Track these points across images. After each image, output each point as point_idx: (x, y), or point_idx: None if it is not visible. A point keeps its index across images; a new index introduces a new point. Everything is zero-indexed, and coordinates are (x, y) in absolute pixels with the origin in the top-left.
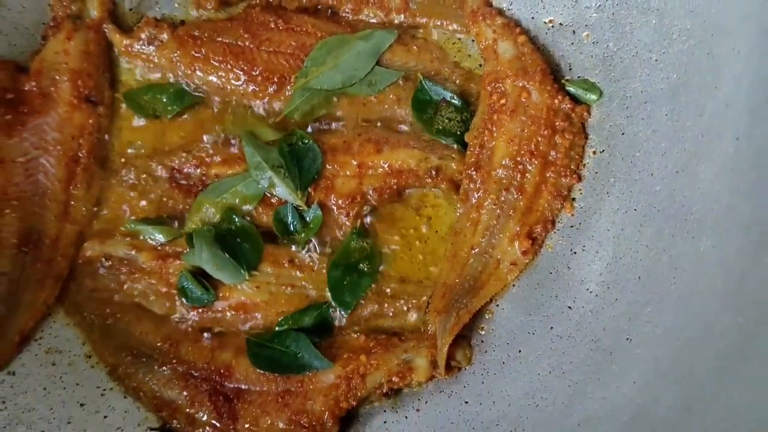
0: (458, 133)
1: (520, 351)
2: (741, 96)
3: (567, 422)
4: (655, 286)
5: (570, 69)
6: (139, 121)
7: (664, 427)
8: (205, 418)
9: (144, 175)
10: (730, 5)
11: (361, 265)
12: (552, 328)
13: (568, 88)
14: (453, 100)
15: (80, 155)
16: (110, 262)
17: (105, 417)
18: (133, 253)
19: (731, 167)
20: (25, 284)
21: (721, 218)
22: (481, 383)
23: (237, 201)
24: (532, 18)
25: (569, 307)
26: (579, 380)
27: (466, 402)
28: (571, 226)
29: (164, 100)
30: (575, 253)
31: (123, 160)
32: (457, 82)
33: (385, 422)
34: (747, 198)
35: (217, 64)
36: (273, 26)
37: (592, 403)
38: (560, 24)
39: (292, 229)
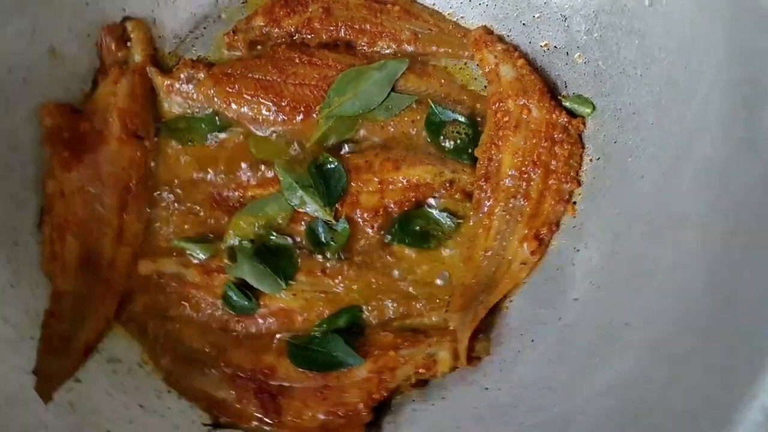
0: (468, 149)
1: (532, 340)
2: (715, 102)
3: (575, 400)
4: (647, 274)
5: (566, 86)
6: (180, 151)
7: (656, 396)
8: (252, 413)
9: (187, 201)
10: (701, 25)
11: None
12: (560, 318)
13: (564, 103)
14: (461, 120)
15: (131, 185)
16: (162, 279)
17: (162, 416)
18: (181, 269)
19: (709, 167)
20: (88, 301)
21: (702, 213)
22: (499, 371)
23: (271, 218)
24: (530, 43)
25: (575, 299)
26: (585, 363)
27: (486, 388)
28: (574, 227)
29: (199, 126)
30: (578, 250)
31: (167, 187)
32: (466, 103)
33: (414, 410)
34: (725, 194)
35: (249, 97)
36: (298, 61)
37: (597, 381)
38: (555, 47)
39: (323, 241)
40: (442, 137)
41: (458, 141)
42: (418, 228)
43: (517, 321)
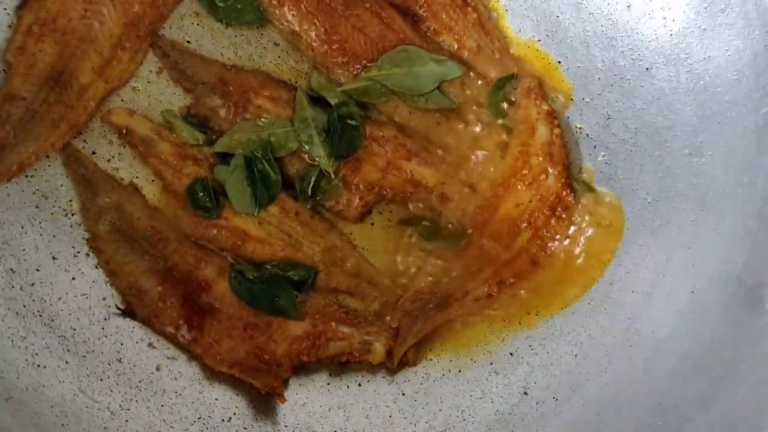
0: None
1: (459, 371)
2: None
3: None
4: (585, 366)
5: (580, 172)
6: (205, 22)
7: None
8: (172, 318)
9: (189, 71)
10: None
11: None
12: (491, 363)
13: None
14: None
15: (141, 23)
16: (127, 139)
17: (73, 279)
18: (155, 137)
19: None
20: (41, 118)
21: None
22: (420, 383)
23: (274, 144)
24: (567, 117)
25: (511, 354)
26: (503, 411)
27: (403, 394)
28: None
29: (238, 6)
30: (529, 314)
31: (173, 49)
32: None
33: (328, 384)
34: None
35: (305, 11)
36: (368, 6)
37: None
38: (587, 135)
39: (311, 189)
40: None
41: None
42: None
43: (453, 346)
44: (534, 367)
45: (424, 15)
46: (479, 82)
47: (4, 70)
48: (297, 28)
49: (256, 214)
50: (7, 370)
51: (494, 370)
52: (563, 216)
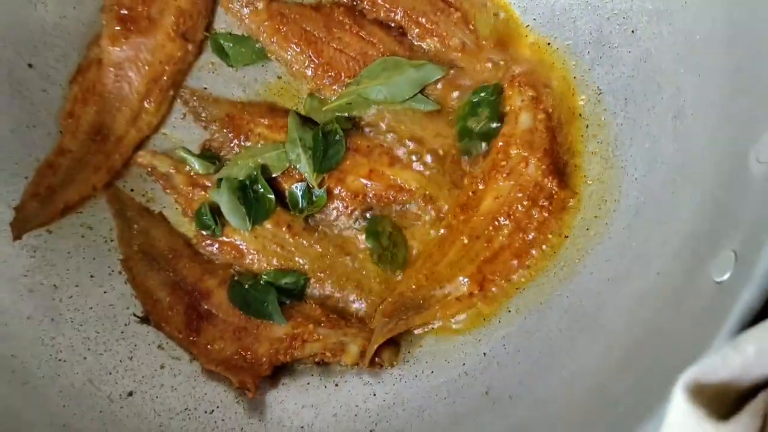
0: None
1: (432, 372)
2: (680, 241)
3: None
4: (545, 369)
5: (572, 157)
6: (217, 67)
7: None
8: (176, 323)
9: (203, 113)
10: (699, 162)
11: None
12: (464, 364)
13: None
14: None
15: (162, 79)
16: (153, 175)
17: (105, 292)
18: (173, 171)
19: (651, 289)
20: (84, 166)
21: (632, 335)
22: (393, 385)
23: (267, 165)
24: (560, 100)
25: (484, 354)
26: (461, 412)
27: (374, 395)
28: (516, 288)
29: (242, 50)
30: (509, 312)
31: (192, 95)
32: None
33: (308, 383)
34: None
35: (292, 43)
36: (347, 28)
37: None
38: (579, 115)
39: (300, 202)
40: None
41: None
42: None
43: (430, 349)
44: (502, 366)
45: (406, 25)
46: (468, 82)
47: (60, 132)
48: (288, 58)
49: (249, 229)
50: (30, 361)
51: (465, 371)
52: (547, 206)
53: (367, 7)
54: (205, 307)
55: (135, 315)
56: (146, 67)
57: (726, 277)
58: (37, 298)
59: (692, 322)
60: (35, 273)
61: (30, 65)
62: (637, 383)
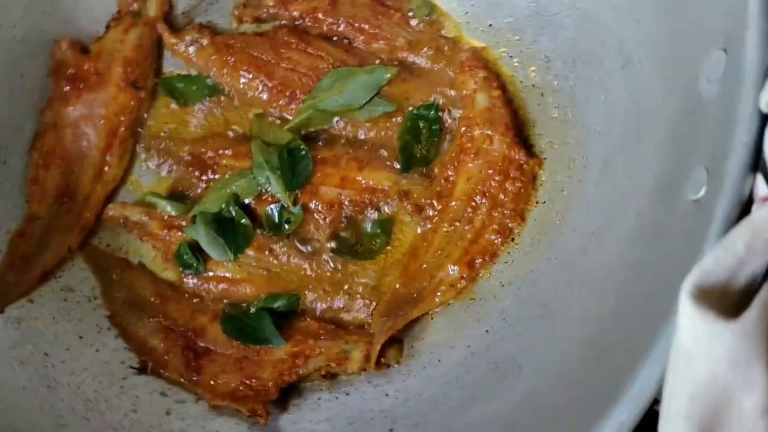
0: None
1: (439, 360)
2: (650, 177)
3: (454, 426)
4: (552, 323)
5: (534, 126)
6: (170, 109)
7: None
8: (175, 366)
9: (166, 157)
10: (657, 99)
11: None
12: (468, 346)
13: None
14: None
15: (119, 130)
16: (126, 225)
17: (97, 351)
18: (146, 219)
19: (636, 233)
20: (56, 229)
21: (622, 278)
22: (402, 381)
23: (239, 193)
24: (512, 75)
25: (486, 331)
26: (473, 393)
27: (387, 395)
28: (506, 263)
29: (194, 88)
30: (503, 286)
31: (152, 141)
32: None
33: (319, 399)
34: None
35: (242, 71)
36: (294, 47)
37: (478, 411)
38: (533, 85)
39: (278, 223)
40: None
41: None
42: (352, 240)
43: (432, 339)
44: (506, 339)
45: (351, 34)
46: (419, 78)
47: (27, 200)
48: (242, 87)
49: (232, 259)
50: (32, 429)
51: (471, 352)
52: (519, 176)
53: (309, 23)
54: (202, 344)
55: (132, 367)
56: (102, 122)
57: (702, 193)
58: (30, 368)
59: (680, 246)
60: (23, 344)
61: None
62: (636, 316)
